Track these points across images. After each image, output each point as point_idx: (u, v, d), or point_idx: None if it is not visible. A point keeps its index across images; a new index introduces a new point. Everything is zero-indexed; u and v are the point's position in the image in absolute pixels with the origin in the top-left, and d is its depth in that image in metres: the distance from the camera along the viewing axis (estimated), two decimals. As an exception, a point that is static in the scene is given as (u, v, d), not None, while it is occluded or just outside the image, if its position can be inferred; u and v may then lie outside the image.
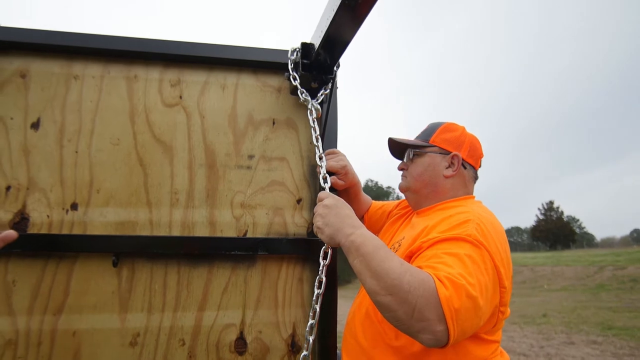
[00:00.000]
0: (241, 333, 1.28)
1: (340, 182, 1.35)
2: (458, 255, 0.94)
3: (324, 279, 1.16)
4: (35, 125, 1.29)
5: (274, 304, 1.31)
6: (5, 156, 1.25)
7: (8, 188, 1.24)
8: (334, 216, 1.05)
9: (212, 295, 1.28)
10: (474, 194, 1.29)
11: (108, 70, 1.36)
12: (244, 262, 1.32)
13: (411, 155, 1.33)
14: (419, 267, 0.95)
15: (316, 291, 1.15)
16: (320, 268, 1.16)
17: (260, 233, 1.35)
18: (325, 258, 1.15)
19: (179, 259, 1.28)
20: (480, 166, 1.31)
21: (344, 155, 1.39)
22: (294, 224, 1.38)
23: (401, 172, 1.38)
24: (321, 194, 1.17)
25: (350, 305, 1.34)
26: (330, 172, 1.32)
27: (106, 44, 1.35)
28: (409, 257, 1.07)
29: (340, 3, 1.00)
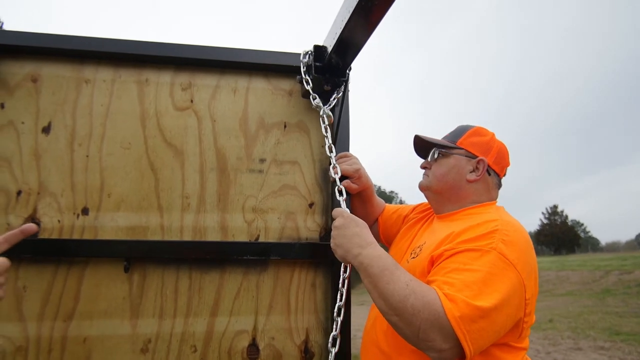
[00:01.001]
0: (253, 339, 1.26)
1: (354, 186, 1.33)
2: (480, 272, 0.93)
3: (344, 291, 1.16)
4: (46, 130, 1.28)
5: (286, 309, 1.30)
6: (16, 161, 1.25)
7: (19, 193, 1.23)
8: (342, 237, 1.07)
9: (224, 301, 1.27)
10: (496, 201, 1.27)
11: (119, 74, 1.36)
12: (255, 267, 1.30)
13: (436, 155, 1.30)
14: (436, 280, 0.96)
15: (338, 303, 1.15)
16: (341, 281, 1.16)
17: (272, 238, 1.33)
18: (345, 272, 1.15)
19: (191, 264, 1.27)
20: (505, 175, 1.29)
21: (357, 158, 1.37)
22: (306, 228, 1.36)
23: (423, 171, 1.35)
24: (333, 213, 1.17)
25: (368, 312, 1.32)
26: (343, 176, 1.30)
27: (117, 47, 1.35)
28: (431, 263, 1.05)
29: (356, 6, 0.99)
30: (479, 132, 1.29)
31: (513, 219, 1.11)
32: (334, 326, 1.14)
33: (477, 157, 1.24)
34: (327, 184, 1.40)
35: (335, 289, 1.30)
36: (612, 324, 9.98)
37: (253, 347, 1.26)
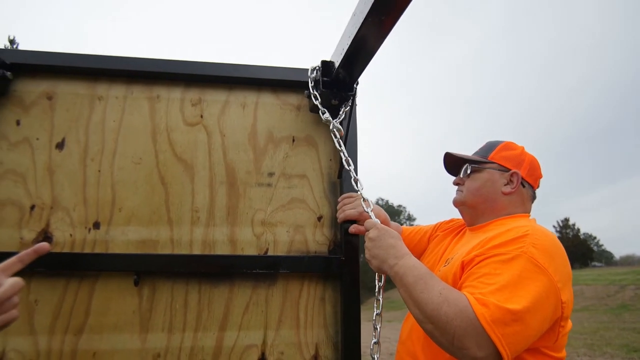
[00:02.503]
0: (263, 354, 1.25)
1: (362, 228, 1.30)
2: (510, 275, 0.94)
3: (380, 299, 1.16)
4: (60, 145, 1.31)
5: (295, 324, 1.29)
6: (30, 176, 1.27)
7: (32, 207, 1.25)
8: (378, 249, 1.10)
9: (233, 315, 1.26)
10: (529, 215, 1.28)
11: (131, 91, 1.39)
12: (265, 281, 1.30)
13: (469, 171, 1.32)
14: (468, 286, 0.97)
15: (375, 311, 1.14)
16: (377, 290, 1.15)
17: (281, 251, 1.33)
18: (380, 280, 1.15)
19: (200, 277, 1.27)
20: (538, 186, 1.30)
21: (360, 199, 1.35)
22: (315, 241, 1.36)
23: (456, 187, 1.37)
24: (366, 225, 1.18)
25: (403, 322, 1.31)
26: (350, 220, 1.32)
27: (129, 65, 1.38)
28: (462, 269, 1.06)
29: (363, 21, 1.01)
30: (509, 146, 1.32)
31: (545, 228, 1.12)
32: (374, 333, 1.13)
33: (510, 170, 1.26)
34: (335, 197, 1.41)
35: (344, 303, 1.29)
36: (630, 340, 9.71)
37: (262, 362, 1.25)
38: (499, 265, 0.97)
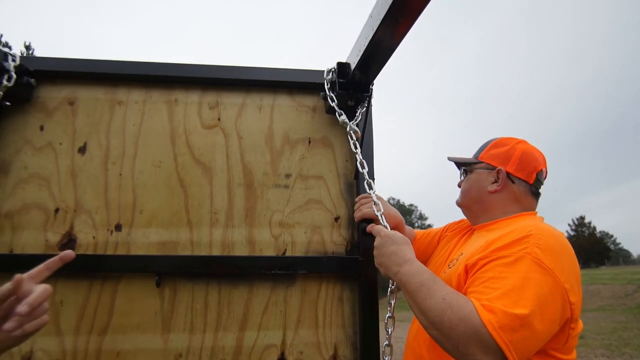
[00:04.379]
0: (282, 354, 1.26)
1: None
2: (515, 279, 0.92)
3: (392, 302, 1.16)
4: (82, 150, 1.34)
5: (314, 324, 1.30)
6: (54, 180, 1.30)
7: (57, 210, 1.28)
8: (382, 256, 1.10)
9: (253, 315, 1.28)
10: (535, 210, 1.26)
11: (150, 95, 1.41)
12: (283, 282, 1.31)
13: (464, 172, 1.37)
14: (473, 291, 0.96)
15: (387, 315, 1.15)
16: (388, 292, 1.16)
17: (298, 252, 1.34)
18: (392, 284, 1.15)
19: (220, 278, 1.29)
20: (534, 180, 1.25)
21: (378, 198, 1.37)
22: (332, 242, 1.37)
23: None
24: (373, 231, 1.20)
25: (410, 325, 1.31)
26: (368, 220, 1.32)
27: (148, 70, 1.41)
28: (466, 272, 1.05)
29: (381, 22, 1.01)
30: (500, 143, 1.31)
31: (550, 227, 1.09)
32: (387, 336, 1.14)
33: (495, 168, 1.26)
34: (352, 198, 1.41)
35: (362, 303, 1.30)
36: (649, 340, 9.51)
37: (282, 361, 1.26)
38: (503, 269, 0.96)
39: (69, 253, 0.83)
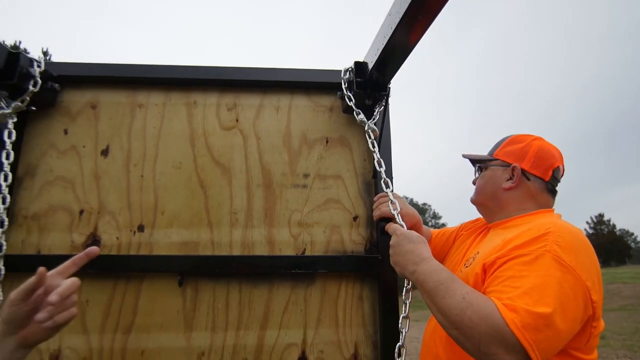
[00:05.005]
0: (303, 352, 1.27)
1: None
2: (536, 277, 0.91)
3: (407, 302, 1.16)
4: (105, 152, 1.37)
5: (334, 322, 1.30)
6: (78, 182, 1.33)
7: (81, 212, 1.31)
8: (397, 256, 1.10)
9: (273, 314, 1.29)
10: (552, 207, 1.24)
11: (169, 98, 1.44)
12: (303, 281, 1.32)
13: (478, 170, 1.36)
14: (493, 290, 0.94)
15: (401, 315, 1.15)
16: (404, 292, 1.16)
17: (318, 251, 1.35)
18: (408, 284, 1.15)
19: (240, 278, 1.30)
20: (550, 177, 1.23)
21: (396, 197, 1.37)
22: (351, 241, 1.37)
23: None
24: (388, 230, 1.20)
25: (426, 324, 1.31)
26: (386, 218, 1.31)
27: (167, 73, 1.43)
28: (484, 271, 1.04)
29: (400, 20, 1.01)
30: (515, 140, 1.30)
31: (569, 224, 1.08)
32: (401, 337, 1.14)
33: (510, 164, 1.25)
34: (370, 197, 1.41)
35: (381, 302, 1.30)
36: (673, 341, 9.26)
37: (303, 360, 1.27)
38: (523, 267, 0.94)
39: (93, 249, 0.86)
